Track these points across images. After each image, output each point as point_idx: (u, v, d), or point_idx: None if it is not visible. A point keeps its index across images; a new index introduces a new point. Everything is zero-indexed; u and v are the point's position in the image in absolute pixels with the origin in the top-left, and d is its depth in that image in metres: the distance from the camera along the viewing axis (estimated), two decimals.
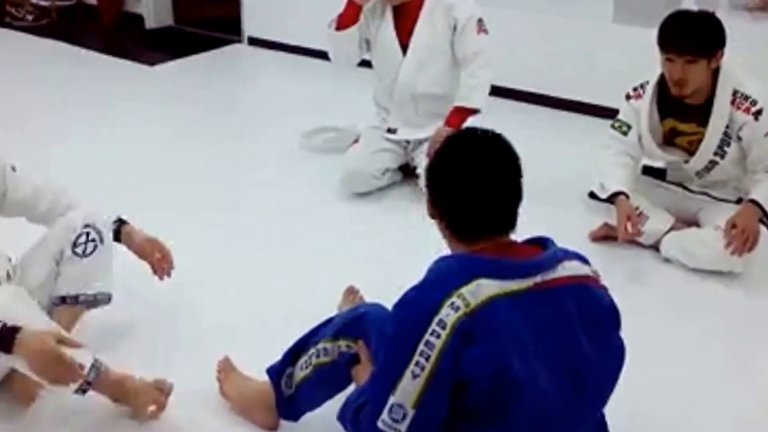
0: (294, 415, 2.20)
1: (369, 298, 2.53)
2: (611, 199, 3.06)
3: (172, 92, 5.18)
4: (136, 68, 5.58)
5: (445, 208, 1.72)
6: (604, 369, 1.72)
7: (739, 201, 3.10)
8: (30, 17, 6.64)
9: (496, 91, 3.83)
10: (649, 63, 3.05)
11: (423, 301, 1.60)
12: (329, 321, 2.13)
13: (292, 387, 2.13)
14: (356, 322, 2.04)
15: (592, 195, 3.16)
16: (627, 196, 3.03)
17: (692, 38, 2.82)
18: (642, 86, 3.07)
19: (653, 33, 2.94)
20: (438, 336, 1.54)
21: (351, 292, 2.64)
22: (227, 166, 3.99)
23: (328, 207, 3.56)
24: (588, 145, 3.94)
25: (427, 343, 1.55)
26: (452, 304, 1.55)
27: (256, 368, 2.30)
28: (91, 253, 2.42)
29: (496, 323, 1.57)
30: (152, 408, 2.25)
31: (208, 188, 3.74)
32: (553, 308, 1.64)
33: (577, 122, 4.53)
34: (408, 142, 3.70)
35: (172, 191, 3.70)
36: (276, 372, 2.18)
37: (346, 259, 3.10)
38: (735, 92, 2.91)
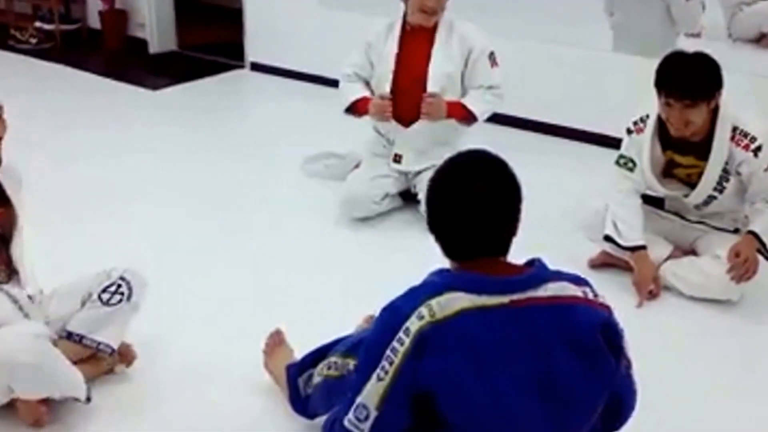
0: (308, 413, 2.27)
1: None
2: (631, 248, 3.09)
3: (174, 117, 5.21)
4: (139, 92, 5.61)
5: (436, 227, 1.73)
6: (588, 390, 1.69)
7: (736, 231, 3.13)
8: (34, 41, 6.69)
9: (497, 119, 3.87)
10: (648, 92, 3.07)
11: (398, 309, 1.65)
12: (348, 336, 2.21)
13: (310, 388, 2.21)
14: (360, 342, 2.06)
15: (608, 238, 3.15)
16: (645, 248, 3.08)
17: (691, 84, 2.83)
18: (642, 120, 3.08)
19: (652, 62, 2.96)
20: (402, 343, 1.59)
21: (370, 321, 2.64)
22: (228, 190, 4.01)
23: (328, 231, 3.58)
24: (587, 173, 3.98)
25: (393, 348, 1.60)
26: (419, 313, 1.60)
27: (255, 387, 2.35)
28: (115, 304, 2.45)
29: (461, 336, 1.59)
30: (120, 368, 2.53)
31: (208, 212, 3.75)
32: (527, 327, 1.63)
33: (576, 150, 4.56)
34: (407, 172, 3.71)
35: (173, 214, 3.71)
36: (296, 369, 2.26)
37: (346, 283, 3.12)
38: (734, 129, 2.93)
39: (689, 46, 3.53)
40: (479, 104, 3.61)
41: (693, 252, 3.19)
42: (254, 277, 3.18)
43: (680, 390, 2.54)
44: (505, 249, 1.72)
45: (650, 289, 3.06)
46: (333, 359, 2.13)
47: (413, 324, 1.59)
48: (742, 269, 2.93)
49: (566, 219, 3.57)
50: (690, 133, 2.92)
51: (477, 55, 3.56)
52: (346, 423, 1.65)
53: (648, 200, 3.27)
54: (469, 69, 3.58)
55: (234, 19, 6.17)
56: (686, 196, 3.12)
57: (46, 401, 2.31)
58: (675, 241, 3.21)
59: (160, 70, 6.20)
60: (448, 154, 3.54)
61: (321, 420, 2.17)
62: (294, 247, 3.43)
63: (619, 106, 3.24)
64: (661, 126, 3.03)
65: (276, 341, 2.49)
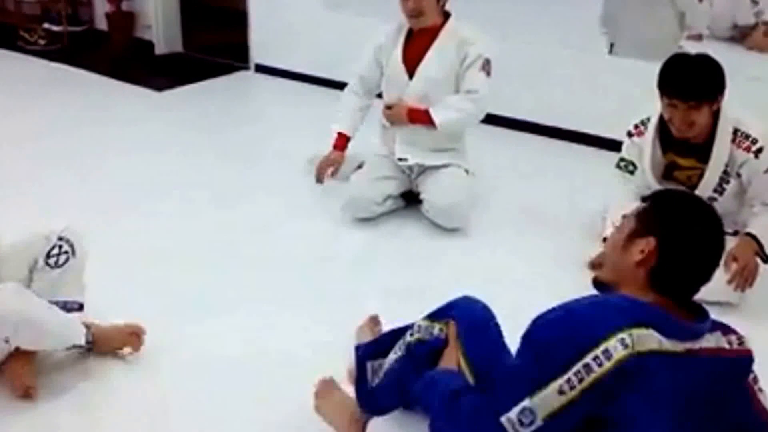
0: (376, 406, 2.14)
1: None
2: None
3: (178, 117, 5.23)
4: (144, 93, 5.64)
5: (669, 257, 1.66)
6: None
7: (735, 233, 3.12)
8: (42, 42, 6.73)
9: (492, 120, 3.89)
10: (646, 95, 3.09)
11: (588, 322, 1.55)
12: (411, 325, 2.12)
13: (378, 378, 2.11)
14: (447, 308, 2.05)
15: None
16: None
17: (694, 85, 2.84)
18: (643, 123, 3.10)
19: (647, 65, 2.98)
20: (600, 365, 1.50)
21: (374, 322, 2.64)
22: (231, 190, 4.03)
23: (331, 232, 3.59)
24: (587, 175, 3.99)
25: (587, 366, 1.50)
26: (622, 340, 1.51)
27: (262, 394, 2.37)
28: (63, 264, 2.54)
29: (652, 376, 1.54)
30: (128, 350, 2.60)
31: (211, 212, 3.77)
32: (694, 378, 1.60)
33: (575, 152, 4.58)
34: (411, 169, 3.73)
35: (176, 214, 3.73)
36: (366, 351, 2.17)
37: (349, 284, 3.13)
38: (735, 131, 2.95)
39: (690, 48, 3.56)
40: (446, 112, 3.57)
41: None
42: (255, 276, 3.19)
43: None
44: (691, 297, 1.72)
45: None
46: (417, 325, 2.05)
47: (616, 350, 1.50)
48: (742, 278, 2.93)
49: (566, 220, 3.58)
50: (693, 134, 2.93)
51: (471, 60, 3.56)
52: (503, 420, 1.55)
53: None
54: (462, 71, 3.58)
55: (239, 21, 6.19)
56: (693, 189, 3.10)
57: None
58: None
59: (165, 72, 6.22)
60: (452, 152, 3.61)
61: None
62: (297, 247, 3.44)
63: (619, 108, 3.26)
64: (662, 128, 3.04)
65: (328, 386, 2.35)
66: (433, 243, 3.52)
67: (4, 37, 6.83)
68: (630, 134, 3.15)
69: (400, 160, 3.71)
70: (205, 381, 2.53)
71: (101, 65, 6.21)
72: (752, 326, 2.91)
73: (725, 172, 3.00)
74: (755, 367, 1.70)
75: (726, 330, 1.72)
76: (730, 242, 3.04)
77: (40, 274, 2.52)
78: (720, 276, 2.95)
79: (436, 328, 2.01)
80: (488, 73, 3.58)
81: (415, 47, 3.64)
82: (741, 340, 1.72)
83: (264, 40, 6.05)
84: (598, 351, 1.50)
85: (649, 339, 1.54)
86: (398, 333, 2.13)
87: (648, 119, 3.09)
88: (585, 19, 4.82)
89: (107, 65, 6.25)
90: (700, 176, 3.04)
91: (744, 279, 2.94)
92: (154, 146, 4.63)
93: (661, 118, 3.04)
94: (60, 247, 2.55)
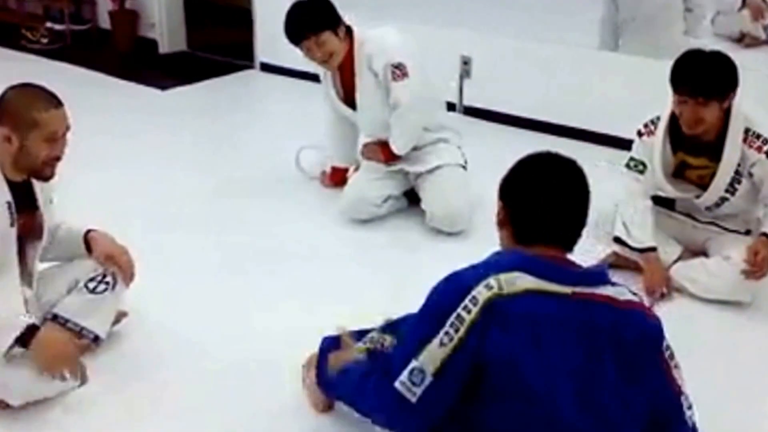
0: (331, 393, 2.23)
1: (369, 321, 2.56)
2: (641, 250, 3.09)
3: (183, 116, 5.21)
4: (148, 92, 5.63)
5: (514, 208, 1.79)
6: (629, 400, 1.70)
7: (747, 232, 3.11)
8: (45, 40, 6.71)
9: (483, 115, 3.87)
10: (648, 92, 3.07)
11: (461, 278, 1.67)
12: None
13: (334, 371, 2.14)
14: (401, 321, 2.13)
15: (618, 240, 3.14)
16: (656, 250, 3.08)
17: (706, 81, 2.82)
18: (653, 122, 3.07)
19: (653, 63, 2.95)
20: (469, 311, 1.61)
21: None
22: (235, 189, 4.01)
23: (334, 230, 3.58)
24: (596, 174, 3.95)
25: (458, 316, 1.61)
26: (487, 284, 1.62)
27: (259, 388, 2.39)
28: (100, 292, 2.53)
29: (525, 314, 1.62)
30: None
31: (213, 211, 3.76)
32: (585, 321, 1.67)
33: (574, 149, 4.51)
34: (407, 172, 3.69)
35: (179, 212, 3.72)
36: (331, 342, 2.23)
37: (347, 283, 3.12)
38: (747, 130, 2.92)
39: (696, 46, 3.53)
40: (400, 138, 3.55)
41: (704, 253, 3.18)
42: (254, 276, 3.18)
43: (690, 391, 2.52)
44: (571, 244, 1.78)
45: (661, 291, 3.04)
46: (370, 336, 2.14)
47: (481, 294, 1.61)
48: (759, 268, 2.91)
49: None
50: (701, 131, 2.91)
51: (382, 74, 3.45)
52: (397, 384, 1.65)
53: (659, 201, 3.26)
54: (384, 86, 3.49)
55: (244, 19, 6.17)
56: (698, 197, 3.10)
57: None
58: (685, 242, 3.20)
59: (169, 71, 6.21)
60: (443, 143, 3.57)
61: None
62: (299, 246, 3.43)
63: (624, 106, 3.23)
64: (672, 127, 3.02)
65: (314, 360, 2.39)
66: (435, 243, 3.51)
67: (7, 35, 6.82)
68: (640, 134, 3.12)
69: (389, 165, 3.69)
70: (202, 383, 2.53)
71: (104, 64, 6.19)
72: (763, 326, 2.94)
73: (737, 171, 2.97)
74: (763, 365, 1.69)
75: (634, 293, 1.81)
76: (743, 242, 3.03)
77: (75, 294, 2.52)
78: (730, 275, 2.95)
79: (387, 341, 2.07)
80: (404, 76, 3.43)
81: (346, 80, 3.60)
82: (651, 304, 1.87)
83: (269, 39, 5.99)
84: (467, 300, 1.62)
85: (520, 280, 1.64)
86: (362, 333, 2.20)
87: (658, 119, 3.06)
88: (588, 16, 4.81)
89: (111, 64, 6.23)
90: (712, 176, 3.01)
91: (759, 269, 2.91)
92: (159, 145, 4.60)
93: (671, 118, 3.01)
94: (104, 276, 2.55)
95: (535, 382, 1.61)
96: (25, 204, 2.41)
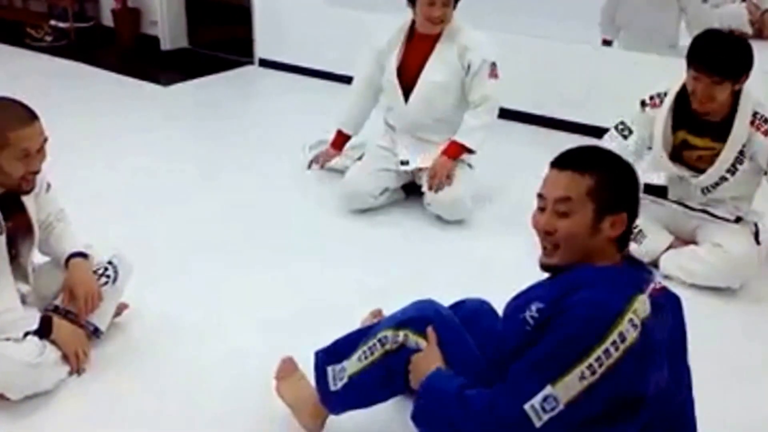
0: (338, 407, 2.15)
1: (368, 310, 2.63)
2: None
3: (183, 112, 5.29)
4: (150, 88, 5.69)
5: (632, 220, 1.80)
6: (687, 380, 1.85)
7: (737, 220, 3.15)
8: (49, 38, 6.78)
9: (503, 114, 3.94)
10: (649, 87, 3.14)
11: (605, 307, 1.63)
12: (376, 325, 2.12)
13: (343, 379, 2.08)
14: (417, 313, 2.04)
15: None
16: None
17: (722, 61, 2.86)
18: (659, 95, 3.12)
19: (652, 58, 2.98)
20: (617, 348, 1.60)
21: (378, 315, 2.58)
22: (236, 183, 4.06)
23: (334, 224, 3.62)
24: None
25: (606, 351, 1.60)
26: (632, 321, 1.61)
27: (263, 376, 2.39)
28: (101, 286, 2.55)
29: (654, 340, 1.66)
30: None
31: (213, 206, 3.79)
32: (665, 318, 1.74)
33: (577, 143, 4.61)
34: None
35: (180, 206, 3.77)
36: (326, 356, 2.15)
37: (349, 274, 3.16)
38: (755, 114, 2.97)
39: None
40: (474, 134, 3.62)
41: (693, 242, 3.22)
42: (256, 267, 3.22)
43: None
44: None
45: None
46: (382, 335, 2.02)
47: (629, 332, 1.61)
48: None
49: None
50: (711, 109, 2.95)
51: (477, 68, 3.57)
52: (527, 408, 1.62)
53: (651, 190, 3.30)
54: (469, 79, 3.60)
55: (244, 16, 6.24)
56: (699, 172, 3.12)
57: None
58: (676, 231, 3.24)
59: (171, 67, 6.28)
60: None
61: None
62: (300, 238, 3.47)
63: (625, 101, 3.28)
64: (678, 104, 3.06)
65: (288, 368, 2.32)
66: (435, 235, 3.55)
67: (12, 34, 6.90)
68: (644, 103, 3.16)
69: (402, 163, 3.73)
70: (203, 375, 2.55)
71: (108, 61, 6.26)
72: (755, 314, 2.98)
73: (741, 152, 3.01)
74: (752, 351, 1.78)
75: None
76: (732, 230, 3.11)
77: None
78: (720, 261, 3.03)
79: (401, 335, 1.99)
80: (497, 76, 3.62)
81: (417, 50, 3.65)
82: (659, 281, 1.85)
83: (268, 35, 6.10)
84: (615, 335, 1.60)
85: (644, 305, 1.65)
86: (356, 336, 2.13)
87: (665, 93, 3.10)
88: (590, 12, 4.85)
89: (114, 61, 6.30)
90: (712, 158, 3.05)
91: None
92: (160, 140, 4.66)
93: (678, 95, 3.06)
94: (105, 269, 2.57)
95: (653, 393, 1.68)
96: (12, 209, 2.40)
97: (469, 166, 3.69)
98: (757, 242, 3.13)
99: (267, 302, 2.95)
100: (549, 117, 4.87)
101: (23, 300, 2.46)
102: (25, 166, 2.28)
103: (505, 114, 4.70)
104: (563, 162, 1.81)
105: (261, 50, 6.19)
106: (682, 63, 2.98)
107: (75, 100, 5.35)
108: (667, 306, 1.77)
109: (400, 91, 3.68)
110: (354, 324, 2.37)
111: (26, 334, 2.35)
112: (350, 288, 3.03)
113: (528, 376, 1.64)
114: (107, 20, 6.96)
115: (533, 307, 1.73)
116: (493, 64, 3.60)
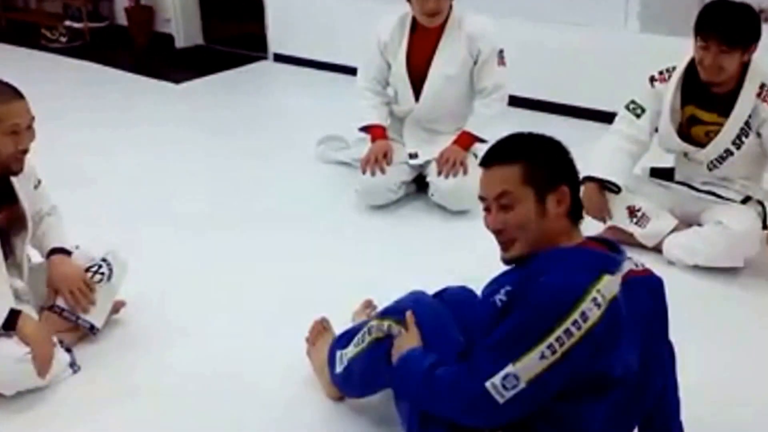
0: (348, 389, 2.26)
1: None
2: (594, 180, 3.13)
3: (198, 108, 5.29)
4: (165, 86, 5.70)
5: (575, 189, 1.81)
6: (665, 361, 1.87)
7: (745, 200, 3.10)
8: (64, 39, 6.82)
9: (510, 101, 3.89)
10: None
11: (566, 290, 1.65)
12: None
13: (344, 363, 2.17)
14: (398, 304, 2.13)
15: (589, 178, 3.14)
16: (618, 189, 3.14)
17: (730, 29, 2.83)
18: (668, 70, 3.07)
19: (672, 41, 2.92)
20: (579, 328, 1.61)
21: (368, 305, 2.67)
22: (251, 178, 4.05)
23: (346, 218, 3.61)
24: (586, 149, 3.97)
25: (567, 331, 1.61)
26: (595, 299, 1.62)
27: (264, 374, 2.39)
28: (96, 283, 2.56)
29: (620, 318, 1.66)
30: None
31: (229, 201, 3.80)
32: (637, 300, 1.74)
33: (588, 129, 4.54)
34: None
35: (193, 202, 3.77)
36: (335, 346, 2.25)
37: (361, 269, 3.14)
38: (762, 85, 2.93)
39: None
40: (486, 123, 3.58)
41: (698, 225, 3.17)
42: (271, 263, 3.21)
43: (684, 364, 2.54)
44: None
45: (603, 216, 3.19)
46: (370, 324, 2.11)
47: (591, 310, 1.62)
48: None
49: None
50: (720, 79, 2.91)
51: (486, 56, 3.55)
52: (487, 385, 1.65)
53: (657, 173, 3.26)
54: (478, 68, 3.58)
55: (258, 11, 6.23)
56: (702, 146, 3.06)
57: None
58: (682, 216, 3.19)
59: (186, 64, 6.28)
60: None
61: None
62: (312, 235, 3.45)
63: (639, 86, 3.23)
64: (687, 79, 3.02)
65: (320, 329, 2.46)
66: (447, 227, 3.52)
67: (27, 35, 6.95)
68: (653, 79, 3.11)
69: (411, 156, 3.70)
70: (202, 372, 2.55)
71: (123, 60, 6.28)
72: (755, 296, 2.93)
73: (747, 124, 2.96)
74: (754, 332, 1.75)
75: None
76: (738, 210, 3.05)
77: None
78: (723, 240, 2.99)
79: (385, 325, 2.06)
80: (504, 64, 3.61)
81: (422, 43, 3.61)
82: (642, 264, 1.86)
83: (281, 30, 6.09)
84: (576, 314, 1.62)
85: (610, 284, 1.66)
86: (362, 324, 2.20)
87: (674, 68, 3.06)
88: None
89: (128, 60, 6.33)
90: (718, 132, 3.00)
91: None
92: (174, 137, 4.67)
93: (686, 70, 3.01)
94: (99, 267, 2.58)
95: (622, 373, 1.70)
96: (4, 199, 2.42)
97: (475, 155, 3.64)
98: (764, 227, 3.07)
99: (268, 300, 2.94)
100: (567, 105, 4.81)
101: (18, 296, 2.47)
102: (14, 143, 2.30)
103: (523, 103, 4.69)
104: (489, 159, 1.83)
105: (274, 45, 6.18)
106: None
107: (90, 101, 5.39)
108: (645, 288, 1.79)
109: (410, 86, 3.65)
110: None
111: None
112: (361, 289, 2.94)
113: (489, 355, 1.68)
114: (121, 19, 6.98)
115: (503, 291, 1.75)
116: (501, 51, 3.59)
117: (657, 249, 3.17)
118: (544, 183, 1.76)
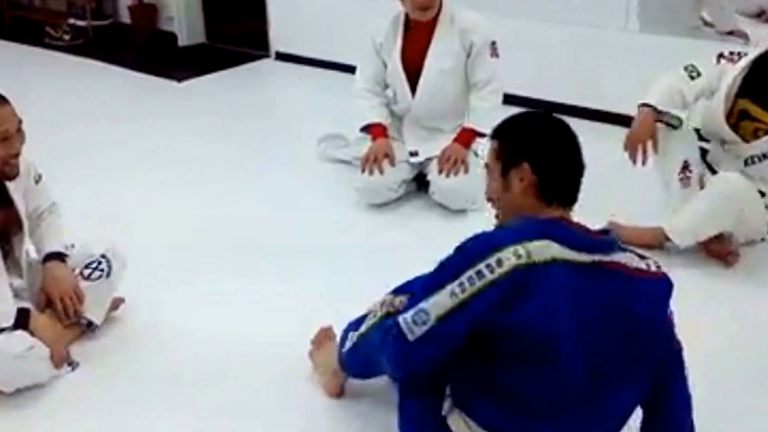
0: (351, 365, 2.23)
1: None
2: (648, 105, 3.02)
3: (196, 107, 5.28)
4: (168, 85, 5.71)
5: (540, 167, 1.79)
6: (632, 375, 1.77)
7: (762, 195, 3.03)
8: (67, 37, 6.82)
9: (511, 100, 3.90)
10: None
11: (491, 238, 1.69)
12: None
13: (353, 340, 2.16)
14: (410, 284, 2.10)
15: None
16: (680, 123, 3.04)
17: None
18: (739, 54, 3.03)
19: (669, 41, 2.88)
20: (492, 271, 1.62)
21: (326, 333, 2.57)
22: (253, 176, 4.05)
23: (346, 217, 3.61)
24: (605, 151, 3.97)
25: (479, 272, 1.62)
26: (516, 251, 1.62)
27: (264, 372, 2.40)
28: (94, 279, 2.57)
29: (551, 284, 1.63)
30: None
31: (229, 199, 3.80)
32: (604, 290, 1.70)
33: (589, 130, 4.52)
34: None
35: (194, 200, 3.78)
36: (347, 329, 2.24)
37: (361, 267, 3.14)
38: None
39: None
40: (483, 116, 3.55)
41: None
42: (270, 261, 3.21)
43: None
44: (576, 200, 1.85)
45: (643, 148, 3.01)
46: (383, 299, 2.12)
47: (509, 259, 1.61)
48: None
49: (584, 199, 3.57)
50: None
51: (479, 48, 3.57)
52: (400, 320, 1.68)
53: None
54: (471, 60, 3.60)
55: (260, 10, 6.22)
56: (747, 141, 3.02)
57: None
58: None
59: (189, 63, 6.27)
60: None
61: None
62: (314, 233, 3.46)
63: (641, 85, 3.22)
64: (752, 71, 2.98)
65: (324, 336, 2.47)
66: (447, 226, 3.51)
67: (31, 33, 6.95)
68: (721, 56, 3.04)
69: (411, 154, 3.71)
70: (201, 369, 2.55)
71: (126, 58, 6.28)
72: (753, 291, 2.93)
73: None
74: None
75: (642, 256, 1.81)
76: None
77: None
78: (712, 192, 2.96)
79: (397, 301, 2.04)
80: (497, 55, 3.62)
81: (416, 39, 3.63)
82: (658, 264, 1.81)
83: (283, 28, 6.10)
84: (491, 259, 1.63)
85: (548, 249, 1.65)
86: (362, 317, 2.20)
87: (745, 54, 3.01)
88: None
89: (132, 58, 6.33)
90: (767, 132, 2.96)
91: None
92: (176, 136, 4.67)
93: (756, 60, 2.97)
94: (99, 263, 2.59)
95: (552, 349, 1.65)
96: (0, 201, 2.43)
97: (476, 154, 3.64)
98: None
99: (268, 297, 2.94)
100: (567, 104, 4.79)
101: (17, 295, 2.48)
102: (5, 149, 2.30)
103: (523, 102, 4.69)
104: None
105: (277, 43, 6.18)
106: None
107: (93, 99, 5.39)
108: (644, 289, 1.74)
109: (406, 83, 3.67)
110: None
111: (1, 330, 2.34)
112: (363, 286, 2.93)
113: (411, 298, 1.73)
114: (125, 17, 6.98)
115: None
116: (494, 43, 3.60)
117: (659, 246, 3.12)
118: (507, 160, 1.83)
